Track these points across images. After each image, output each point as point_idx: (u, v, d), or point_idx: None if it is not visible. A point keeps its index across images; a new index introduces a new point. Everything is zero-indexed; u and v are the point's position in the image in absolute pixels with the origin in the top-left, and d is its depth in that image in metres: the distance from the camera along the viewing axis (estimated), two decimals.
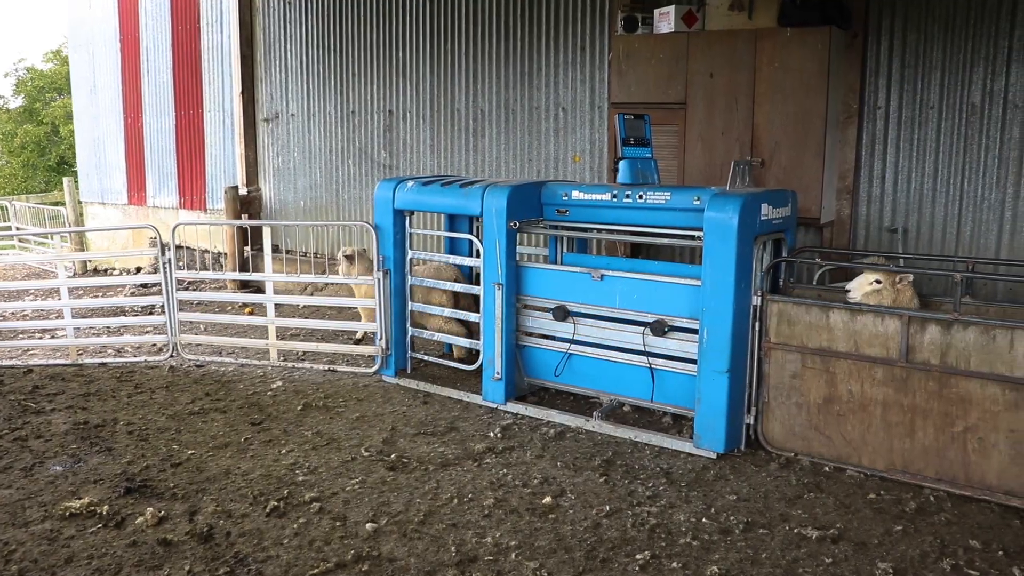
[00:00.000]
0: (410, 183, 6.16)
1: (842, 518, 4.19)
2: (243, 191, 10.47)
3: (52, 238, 13.51)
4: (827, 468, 4.75)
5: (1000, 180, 6.20)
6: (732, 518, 4.19)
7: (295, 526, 4.17)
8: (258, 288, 9.40)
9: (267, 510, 4.32)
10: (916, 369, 4.47)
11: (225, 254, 10.74)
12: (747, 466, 4.81)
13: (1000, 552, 3.86)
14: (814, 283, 6.10)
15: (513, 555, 3.86)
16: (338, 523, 4.19)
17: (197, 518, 4.27)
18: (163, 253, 6.86)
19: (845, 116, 6.61)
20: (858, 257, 6.19)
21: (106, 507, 4.37)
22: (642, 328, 5.22)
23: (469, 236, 6.06)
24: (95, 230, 13.76)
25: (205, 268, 10.68)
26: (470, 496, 4.45)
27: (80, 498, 4.49)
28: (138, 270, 12.03)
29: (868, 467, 4.67)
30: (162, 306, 7.16)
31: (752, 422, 5.00)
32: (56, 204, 16.28)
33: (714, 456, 4.89)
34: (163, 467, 4.93)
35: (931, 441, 4.48)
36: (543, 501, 4.36)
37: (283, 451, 5.13)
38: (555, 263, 6.11)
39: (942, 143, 6.39)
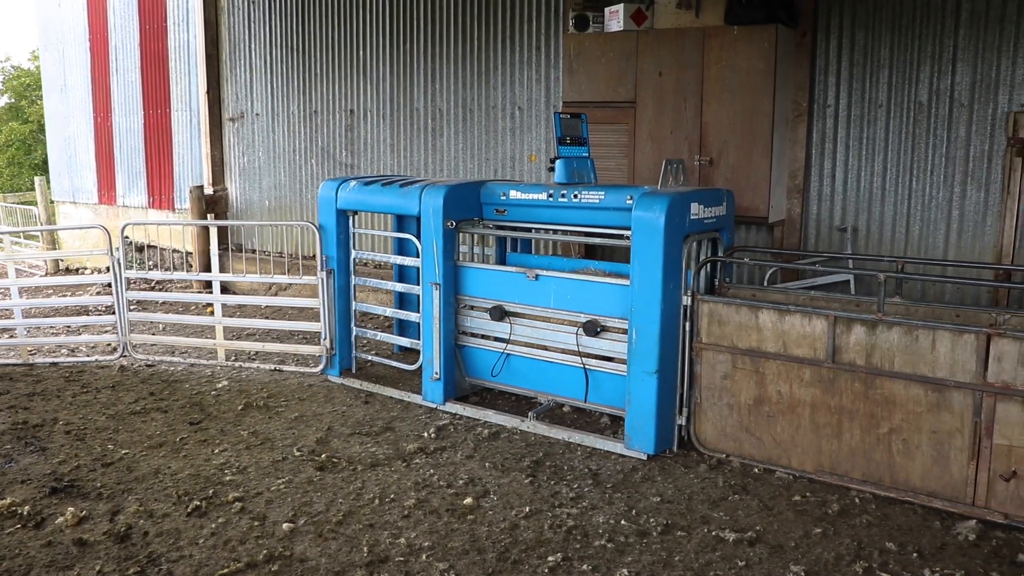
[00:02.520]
0: (352, 183, 6.12)
1: (763, 520, 4.16)
2: (209, 191, 10.43)
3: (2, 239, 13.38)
4: (756, 470, 4.72)
5: (947, 179, 6.17)
6: (652, 520, 4.16)
7: (213, 526, 4.15)
8: (224, 287, 9.35)
9: (188, 510, 4.30)
10: (843, 370, 4.44)
11: (192, 253, 10.69)
12: (676, 467, 4.78)
13: (915, 554, 3.84)
14: (765, 283, 6.08)
15: (424, 556, 3.83)
16: (256, 523, 4.17)
17: (118, 518, 4.25)
18: (111, 253, 6.81)
19: (795, 115, 6.58)
20: (796, 258, 6.17)
21: (28, 507, 4.35)
22: (576, 328, 5.19)
23: (410, 236, 6.02)
24: (45, 229, 13.60)
25: (174, 268, 10.62)
26: (392, 496, 4.42)
27: (3, 499, 4.46)
28: (107, 269, 11.95)
29: (797, 469, 4.65)
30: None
31: (684, 423, 4.97)
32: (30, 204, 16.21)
33: (644, 457, 4.86)
34: (93, 467, 4.90)
35: (857, 442, 4.46)
36: (464, 502, 4.33)
37: (216, 451, 5.10)
38: (488, 262, 6.08)
39: (891, 142, 6.35)
